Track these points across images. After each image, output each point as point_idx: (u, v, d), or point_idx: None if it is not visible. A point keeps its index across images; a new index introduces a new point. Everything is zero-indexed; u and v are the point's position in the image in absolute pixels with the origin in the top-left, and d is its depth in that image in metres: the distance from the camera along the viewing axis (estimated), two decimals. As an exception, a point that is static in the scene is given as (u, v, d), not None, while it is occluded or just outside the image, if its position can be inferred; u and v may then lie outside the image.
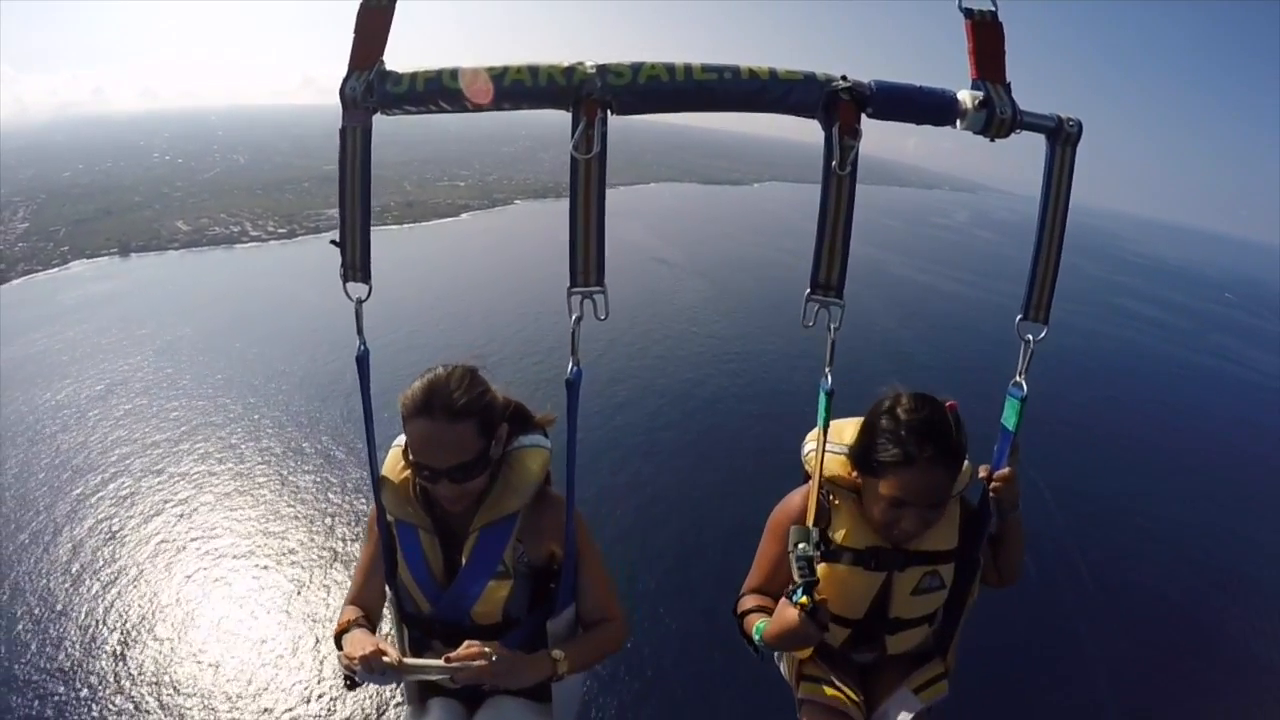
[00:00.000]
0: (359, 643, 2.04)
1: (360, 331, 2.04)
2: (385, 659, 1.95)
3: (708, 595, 18.17)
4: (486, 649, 1.96)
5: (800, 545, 1.95)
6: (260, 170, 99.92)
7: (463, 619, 2.28)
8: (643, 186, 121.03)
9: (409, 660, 2.03)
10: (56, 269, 50.80)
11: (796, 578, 1.91)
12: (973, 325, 48.89)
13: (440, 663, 1.99)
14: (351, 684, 2.08)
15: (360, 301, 2.00)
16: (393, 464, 2.34)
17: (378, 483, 2.31)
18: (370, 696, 15.66)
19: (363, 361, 2.10)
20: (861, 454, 2.23)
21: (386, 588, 2.38)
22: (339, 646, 2.15)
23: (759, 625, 2.22)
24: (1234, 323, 77.08)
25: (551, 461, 2.40)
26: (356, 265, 1.97)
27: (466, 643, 1.98)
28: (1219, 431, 37.53)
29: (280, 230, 67.33)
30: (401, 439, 2.30)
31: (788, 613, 1.95)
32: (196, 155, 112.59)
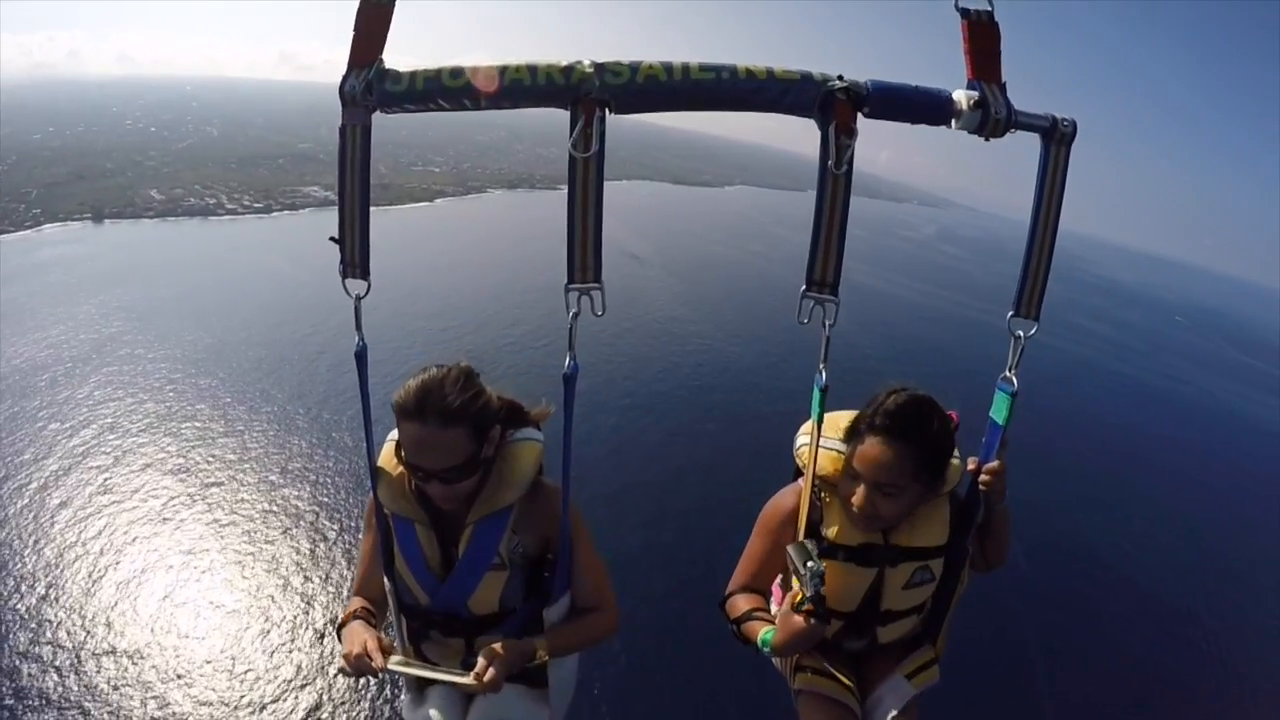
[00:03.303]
0: (351, 639, 2.15)
1: (359, 327, 2.02)
2: (370, 662, 2.06)
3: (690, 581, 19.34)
4: (481, 671, 2.03)
5: (809, 564, 1.98)
6: (234, 143, 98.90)
7: (460, 610, 2.29)
8: (615, 183, 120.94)
9: (391, 664, 2.11)
10: (29, 230, 50.64)
11: (808, 592, 1.97)
12: (927, 335, 50.53)
13: (421, 671, 2.18)
14: (346, 673, 2.14)
15: (359, 298, 1.97)
16: (389, 457, 2.31)
17: (375, 475, 2.30)
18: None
19: (361, 357, 2.06)
20: (848, 429, 2.28)
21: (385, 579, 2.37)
22: (339, 639, 2.24)
23: (765, 636, 2.23)
24: (1185, 345, 79.56)
25: (545, 454, 2.38)
26: (355, 262, 1.95)
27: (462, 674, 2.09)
28: (1161, 449, 38.91)
29: (256, 204, 67.42)
30: (397, 433, 2.30)
31: (793, 620, 2.03)
32: (170, 125, 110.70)
